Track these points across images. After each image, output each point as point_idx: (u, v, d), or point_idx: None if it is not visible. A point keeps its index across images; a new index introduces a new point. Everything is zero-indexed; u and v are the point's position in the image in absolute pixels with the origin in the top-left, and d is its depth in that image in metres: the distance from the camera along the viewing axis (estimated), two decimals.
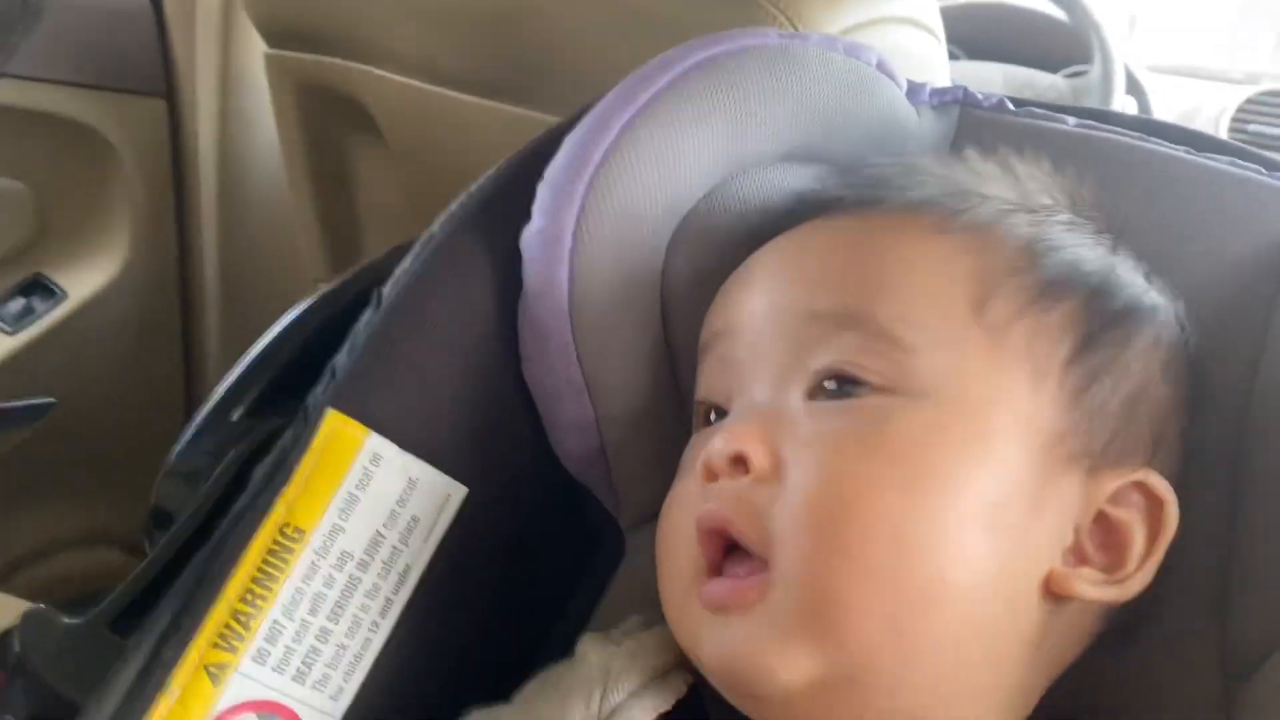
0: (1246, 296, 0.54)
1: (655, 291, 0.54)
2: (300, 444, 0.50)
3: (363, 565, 0.50)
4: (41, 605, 0.51)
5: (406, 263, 0.54)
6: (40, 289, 1.34)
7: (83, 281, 1.35)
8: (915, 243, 0.47)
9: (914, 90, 0.63)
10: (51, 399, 1.34)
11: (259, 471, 0.50)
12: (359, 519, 0.50)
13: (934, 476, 0.41)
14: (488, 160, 0.59)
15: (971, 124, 0.63)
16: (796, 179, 0.58)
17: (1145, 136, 0.60)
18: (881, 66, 0.61)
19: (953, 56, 2.32)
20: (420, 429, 0.51)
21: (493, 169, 0.57)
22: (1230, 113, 1.93)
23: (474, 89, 1.02)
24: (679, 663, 0.50)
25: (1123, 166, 0.59)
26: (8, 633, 0.52)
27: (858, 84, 0.59)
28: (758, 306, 0.48)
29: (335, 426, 0.50)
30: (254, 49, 1.27)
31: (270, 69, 1.24)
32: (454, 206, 0.56)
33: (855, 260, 0.47)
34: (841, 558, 0.40)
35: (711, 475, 0.45)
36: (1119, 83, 1.56)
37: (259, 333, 0.68)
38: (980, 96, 0.64)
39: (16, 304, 1.31)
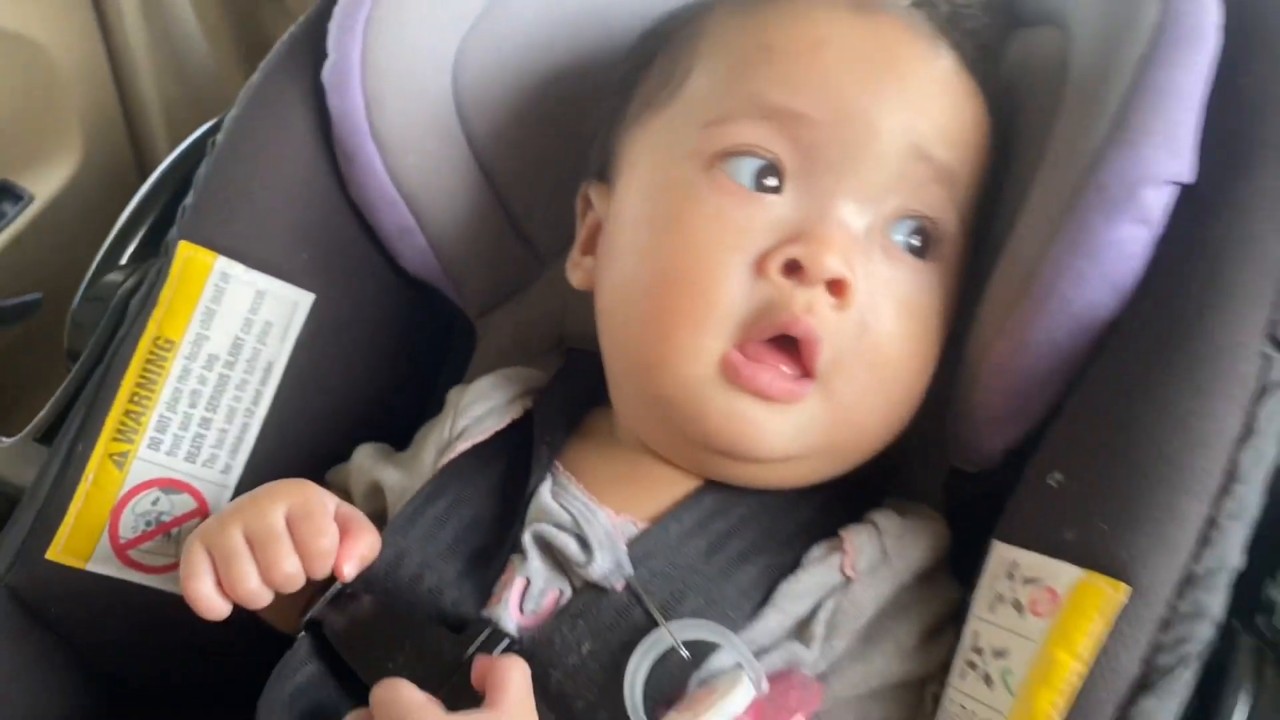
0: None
1: (449, 105, 0.63)
2: (161, 275, 0.60)
3: (228, 364, 0.60)
4: None
5: (234, 109, 0.63)
6: (7, 194, 1.43)
7: (46, 183, 1.44)
8: (974, 102, 0.52)
9: None
10: (38, 295, 1.45)
11: (134, 301, 0.61)
12: (218, 327, 0.60)
13: (940, 337, 0.52)
14: None
15: None
16: None
17: None
18: None
19: None
20: (261, 247, 0.61)
21: (302, 16, 0.65)
22: None
23: None
24: (522, 394, 0.60)
25: None
26: None
27: None
28: (870, 116, 0.49)
29: (188, 255, 0.60)
30: None
31: None
32: (269, 54, 0.64)
33: (960, 116, 0.51)
34: (881, 397, 0.51)
35: (793, 270, 0.47)
36: None
37: None
38: None
39: None
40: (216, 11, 1.32)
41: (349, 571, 0.48)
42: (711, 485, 0.52)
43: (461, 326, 0.70)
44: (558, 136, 0.65)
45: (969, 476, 0.56)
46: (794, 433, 0.49)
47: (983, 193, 0.54)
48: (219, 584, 0.48)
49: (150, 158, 1.50)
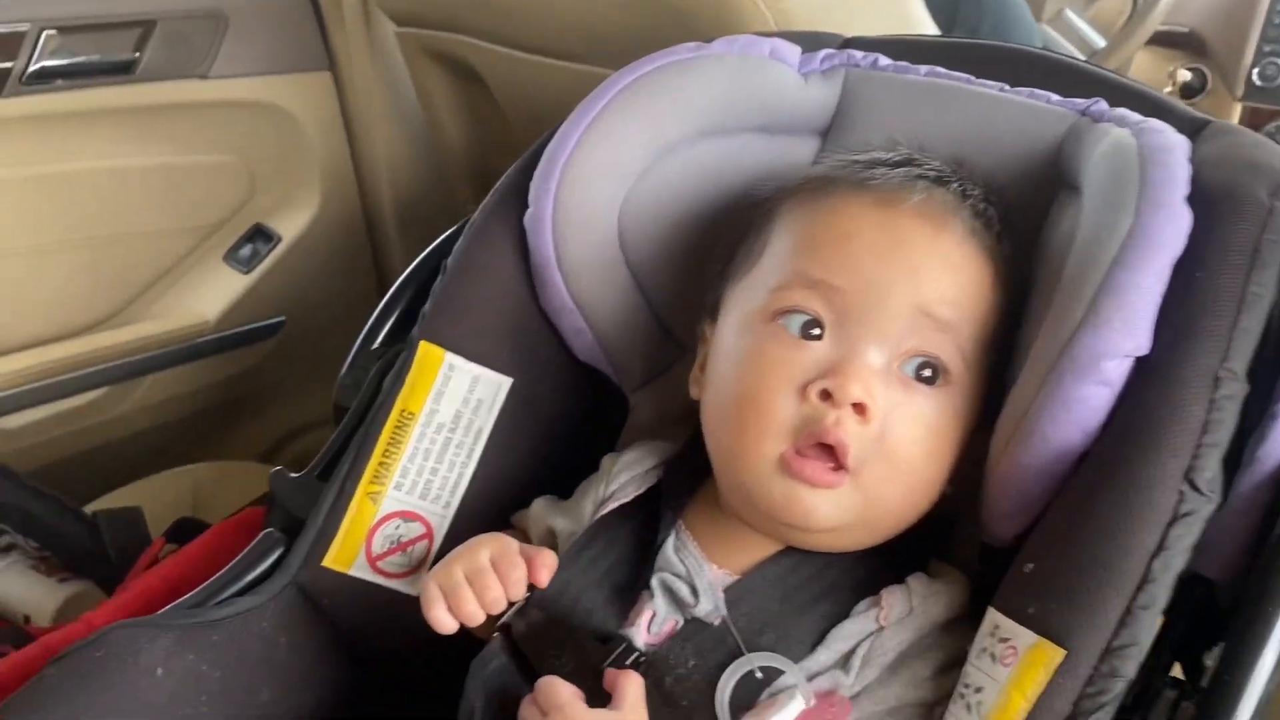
0: (1033, 186, 0.79)
1: (615, 241, 0.83)
2: (407, 363, 0.83)
3: (452, 430, 0.83)
4: (279, 467, 0.87)
5: (460, 241, 0.86)
6: (261, 235, 1.72)
7: (291, 225, 1.73)
8: (972, 268, 0.70)
9: (805, 62, 0.87)
10: (282, 317, 1.75)
11: (387, 381, 0.84)
12: (446, 404, 0.83)
13: (951, 443, 0.70)
14: (565, 108, 0.84)
15: (855, 79, 0.87)
16: (714, 149, 0.85)
17: (970, 79, 0.84)
18: (774, 53, 0.86)
19: None
20: (477, 345, 0.83)
21: (509, 170, 0.87)
22: None
23: (551, 54, 1.30)
24: (657, 465, 0.81)
25: (952, 101, 0.83)
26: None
27: (750, 72, 0.84)
28: (884, 286, 0.67)
29: (425, 351, 0.83)
30: (390, 26, 1.59)
31: (401, 43, 1.56)
32: (486, 199, 0.87)
33: (957, 281, 0.68)
34: (900, 486, 0.69)
35: (827, 396, 0.65)
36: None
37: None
38: (860, 57, 0.88)
39: (246, 250, 1.71)
40: (436, 89, 1.57)
41: (544, 579, 0.70)
42: (789, 549, 0.71)
43: (619, 399, 0.91)
44: (692, 258, 0.85)
45: (995, 548, 0.73)
46: (834, 510, 0.67)
47: (991, 328, 0.71)
48: (449, 609, 0.70)
49: (374, 206, 1.78)
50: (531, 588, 0.71)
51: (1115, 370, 0.62)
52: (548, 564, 0.71)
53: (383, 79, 1.68)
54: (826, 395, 0.66)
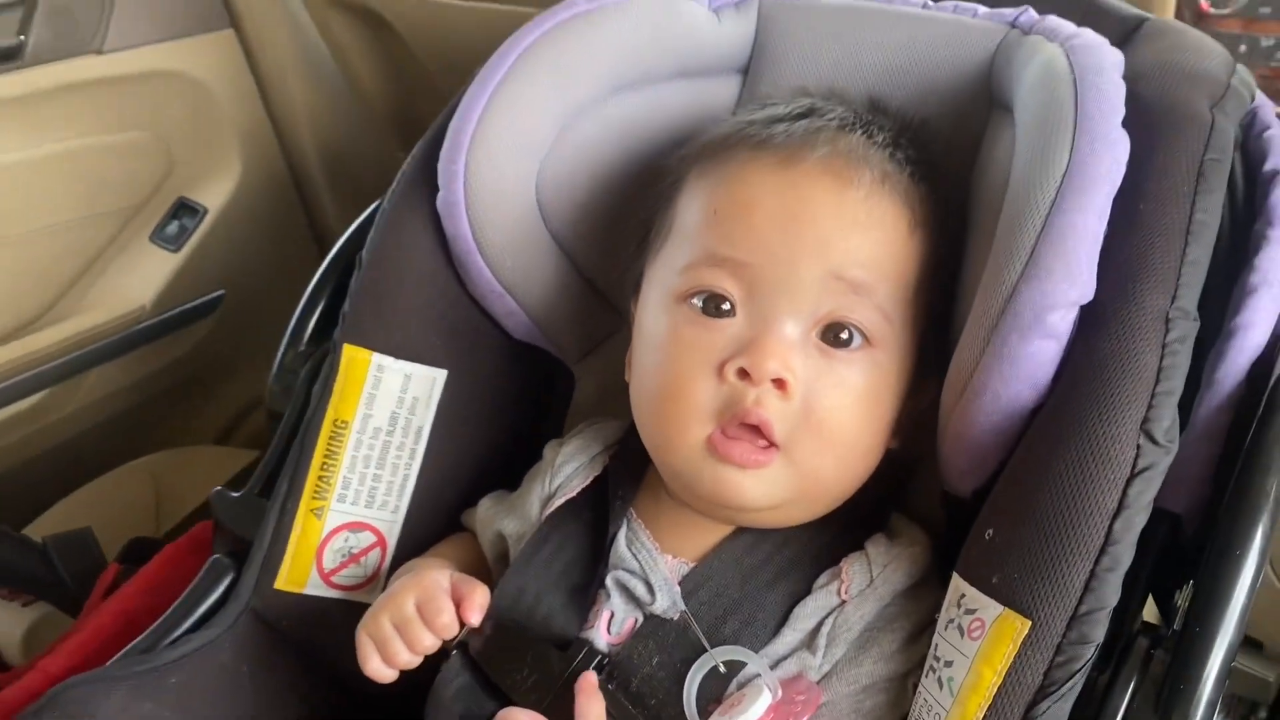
0: (967, 109, 0.75)
1: (535, 216, 0.79)
2: (333, 370, 0.79)
3: (389, 433, 0.80)
4: (220, 487, 0.84)
5: (372, 232, 0.81)
6: (186, 210, 1.66)
7: (216, 195, 1.66)
8: (886, 220, 0.65)
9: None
10: (220, 291, 1.70)
11: (315, 391, 0.80)
12: (380, 406, 0.79)
13: (884, 404, 0.67)
14: (481, 50, 0.79)
15: (770, 9, 0.82)
16: (630, 103, 0.80)
17: None
18: None
19: None
20: (404, 341, 0.80)
21: (414, 150, 0.82)
22: None
23: None
24: (601, 451, 0.78)
25: (872, 24, 0.78)
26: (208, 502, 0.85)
27: (659, 16, 0.79)
28: (790, 257, 0.63)
29: (351, 355, 0.79)
30: None
31: None
32: (395, 183, 0.82)
33: (869, 239, 0.65)
34: (828, 457, 0.66)
35: (744, 375, 0.63)
36: None
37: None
38: None
39: (172, 227, 1.64)
40: (347, 39, 1.49)
41: (475, 620, 0.68)
42: (742, 529, 0.69)
43: (563, 373, 0.88)
44: (620, 221, 0.80)
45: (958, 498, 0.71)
46: (768, 489, 0.65)
47: (916, 278, 0.67)
48: (383, 661, 0.68)
49: (300, 164, 1.71)
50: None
51: (1061, 322, 0.59)
52: (479, 603, 0.68)
53: (290, 30, 1.60)
54: (744, 373, 0.63)
